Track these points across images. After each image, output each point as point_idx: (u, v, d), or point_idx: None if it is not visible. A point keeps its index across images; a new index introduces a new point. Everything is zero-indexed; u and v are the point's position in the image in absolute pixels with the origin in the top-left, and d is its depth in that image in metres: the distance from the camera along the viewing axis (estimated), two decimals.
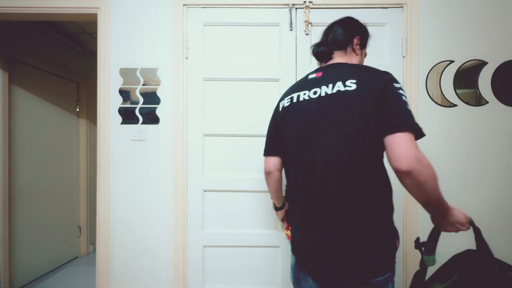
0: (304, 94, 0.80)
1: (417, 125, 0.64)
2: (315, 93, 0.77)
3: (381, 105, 0.67)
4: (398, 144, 0.62)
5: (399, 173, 0.62)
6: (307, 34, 1.38)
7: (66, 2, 1.39)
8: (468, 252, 0.82)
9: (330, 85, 0.75)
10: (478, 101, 1.36)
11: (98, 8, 1.39)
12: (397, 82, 0.70)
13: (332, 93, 0.73)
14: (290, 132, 0.83)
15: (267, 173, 0.99)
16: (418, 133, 0.65)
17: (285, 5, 1.38)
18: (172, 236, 1.38)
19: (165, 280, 1.38)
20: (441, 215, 0.70)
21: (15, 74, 1.93)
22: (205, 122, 1.39)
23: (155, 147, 1.39)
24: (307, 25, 1.37)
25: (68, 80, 2.43)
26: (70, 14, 1.42)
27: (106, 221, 1.38)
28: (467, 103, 1.36)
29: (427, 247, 0.79)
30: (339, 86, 0.73)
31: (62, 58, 2.34)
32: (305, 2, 1.37)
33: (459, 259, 0.81)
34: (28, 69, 2.04)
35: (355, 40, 0.84)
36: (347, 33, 0.84)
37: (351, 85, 0.71)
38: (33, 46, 2.05)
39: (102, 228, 1.38)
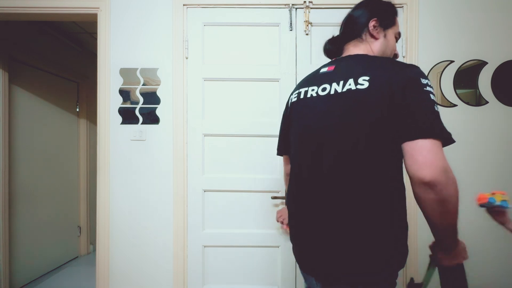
0: (313, 90, 0.73)
1: (445, 130, 0.55)
2: (323, 89, 0.70)
3: (399, 105, 0.57)
4: (421, 150, 0.53)
5: (420, 184, 0.53)
6: (307, 34, 1.38)
7: (66, 2, 1.39)
8: None
9: (341, 82, 0.66)
10: (478, 101, 1.36)
11: (98, 8, 1.39)
12: (425, 77, 0.59)
13: (342, 92, 0.65)
14: (295, 130, 0.77)
15: (288, 175, 0.88)
16: (446, 140, 0.55)
17: (285, 5, 1.38)
18: (172, 235, 1.38)
19: (165, 280, 1.38)
20: (451, 244, 0.59)
21: (15, 74, 1.93)
22: (205, 122, 1.39)
23: (155, 147, 1.39)
24: (307, 25, 1.37)
25: (68, 80, 2.43)
26: (70, 14, 1.42)
27: (106, 221, 1.38)
28: (467, 103, 1.36)
29: None
30: (350, 84, 0.64)
31: (62, 58, 2.34)
32: (305, 2, 1.36)
33: None
34: (28, 69, 2.04)
35: (371, 23, 0.73)
36: (359, 19, 0.74)
37: (364, 82, 0.62)
38: (33, 46, 2.05)
39: (102, 228, 1.38)
